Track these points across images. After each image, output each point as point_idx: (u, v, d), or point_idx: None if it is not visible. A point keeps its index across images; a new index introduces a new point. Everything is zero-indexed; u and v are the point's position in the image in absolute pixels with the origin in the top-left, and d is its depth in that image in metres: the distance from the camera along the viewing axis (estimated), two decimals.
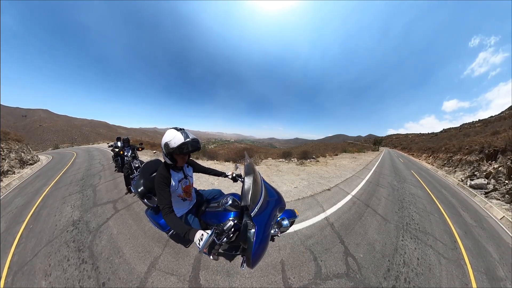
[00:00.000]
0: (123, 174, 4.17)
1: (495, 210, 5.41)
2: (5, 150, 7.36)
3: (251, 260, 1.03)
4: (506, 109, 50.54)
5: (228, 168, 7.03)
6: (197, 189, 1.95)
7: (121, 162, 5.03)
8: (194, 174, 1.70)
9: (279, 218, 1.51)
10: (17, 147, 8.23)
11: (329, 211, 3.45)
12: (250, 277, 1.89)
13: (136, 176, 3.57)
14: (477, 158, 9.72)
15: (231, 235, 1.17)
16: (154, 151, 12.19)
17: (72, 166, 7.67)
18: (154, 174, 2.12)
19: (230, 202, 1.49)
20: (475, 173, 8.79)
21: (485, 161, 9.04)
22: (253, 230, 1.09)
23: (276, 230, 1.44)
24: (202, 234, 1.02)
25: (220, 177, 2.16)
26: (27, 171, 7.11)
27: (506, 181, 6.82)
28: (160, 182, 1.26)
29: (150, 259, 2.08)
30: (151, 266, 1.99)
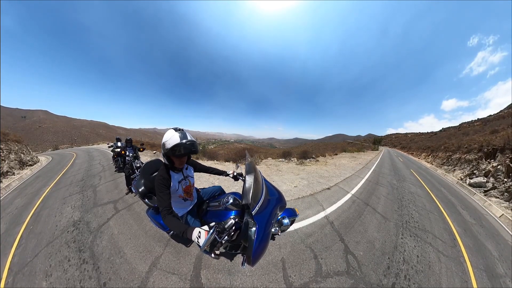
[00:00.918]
0: (123, 174, 4.18)
1: (494, 208, 5.44)
2: (4, 151, 7.34)
3: (252, 258, 1.04)
4: (504, 108, 50.74)
5: (228, 168, 7.04)
6: (197, 188, 1.96)
7: (122, 162, 5.03)
8: (195, 173, 1.70)
9: (279, 217, 1.52)
10: (16, 148, 8.21)
11: (329, 210, 3.46)
12: (251, 275, 1.90)
13: (137, 176, 3.58)
14: (476, 156, 9.76)
15: (232, 233, 1.17)
16: (154, 152, 12.19)
17: (72, 167, 7.65)
18: (155, 174, 2.13)
19: (231, 201, 1.50)
20: (474, 171, 8.82)
21: (484, 160, 9.08)
22: (254, 229, 1.10)
23: (277, 228, 1.45)
24: (200, 232, 1.02)
25: (221, 176, 2.16)
26: (27, 172, 7.09)
27: (505, 179, 6.85)
28: (160, 184, 1.25)
29: (151, 259, 2.08)
30: (152, 265, 2.00)
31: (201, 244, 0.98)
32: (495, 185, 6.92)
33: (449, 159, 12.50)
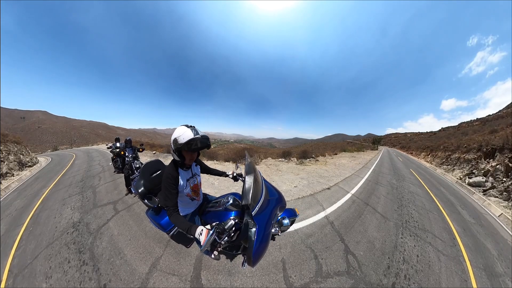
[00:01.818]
0: (123, 175, 4.17)
1: (493, 207, 5.46)
2: (3, 152, 7.31)
3: (252, 259, 1.04)
4: (503, 108, 50.90)
5: (228, 168, 7.03)
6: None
7: (121, 163, 5.02)
8: None
9: (279, 217, 1.52)
10: (15, 149, 8.19)
11: (329, 210, 3.46)
12: (252, 276, 1.90)
13: (137, 176, 3.57)
14: (475, 156, 9.79)
15: (232, 234, 1.17)
16: (153, 152, 12.18)
17: (72, 167, 7.64)
18: (155, 174, 2.13)
19: (231, 201, 1.49)
20: (473, 171, 8.85)
21: (483, 159, 9.11)
22: (254, 229, 1.10)
23: (277, 229, 1.45)
24: (202, 230, 1.03)
25: (220, 177, 2.16)
26: (26, 173, 7.08)
27: (504, 179, 6.87)
28: (168, 182, 1.23)
29: (151, 260, 2.08)
30: (153, 266, 2.00)
31: (201, 243, 0.98)
32: (494, 184, 6.94)
33: (448, 159, 12.54)
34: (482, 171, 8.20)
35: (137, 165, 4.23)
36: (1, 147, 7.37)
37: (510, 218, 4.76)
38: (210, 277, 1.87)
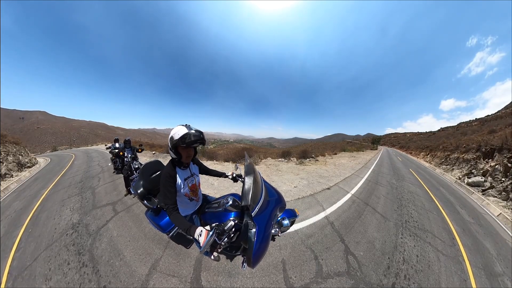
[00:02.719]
0: (122, 175, 4.16)
1: (492, 207, 5.48)
2: (2, 153, 7.28)
3: (252, 260, 1.04)
4: (502, 108, 51.12)
5: (228, 168, 7.03)
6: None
7: (120, 164, 5.00)
8: None
9: (279, 218, 1.52)
10: (14, 150, 8.15)
11: (329, 210, 3.47)
12: (252, 277, 1.90)
13: (136, 177, 3.57)
14: (474, 156, 9.82)
15: (232, 235, 1.17)
16: (153, 152, 12.15)
17: (71, 168, 7.62)
18: (154, 175, 2.12)
19: (230, 202, 1.49)
20: (472, 171, 8.88)
21: (482, 159, 9.14)
22: (253, 230, 1.10)
23: (277, 229, 1.45)
24: (202, 231, 1.03)
25: (220, 178, 2.15)
26: (25, 174, 7.05)
27: (503, 179, 6.90)
28: (166, 181, 1.25)
29: (151, 261, 2.08)
30: (152, 268, 1.99)
31: (201, 244, 0.98)
32: (493, 184, 6.97)
33: (448, 159, 12.57)
34: (481, 171, 8.23)
35: (136, 166, 4.22)
36: (0, 148, 7.34)
37: (508, 217, 4.78)
38: (210, 278, 1.87)
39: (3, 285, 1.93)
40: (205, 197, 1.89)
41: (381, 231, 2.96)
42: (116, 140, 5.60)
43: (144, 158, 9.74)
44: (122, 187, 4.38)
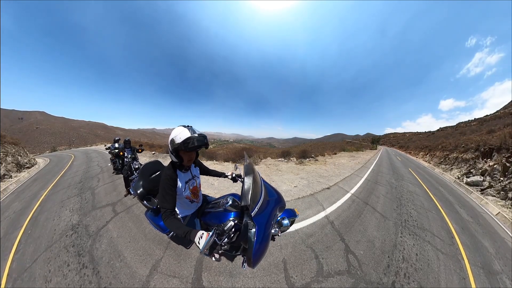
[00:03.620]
0: (122, 175, 4.15)
1: (490, 206, 5.51)
2: (1, 153, 7.25)
3: (252, 260, 1.04)
4: (501, 108, 51.37)
5: (228, 168, 7.03)
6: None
7: (120, 164, 4.99)
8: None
9: (279, 218, 1.53)
10: (13, 150, 8.11)
11: (329, 210, 3.48)
12: (253, 277, 1.90)
13: (136, 177, 3.56)
14: (473, 156, 9.87)
15: (232, 235, 1.17)
16: (153, 152, 12.13)
17: (70, 169, 7.59)
18: (154, 175, 2.12)
19: (230, 202, 1.49)
20: (471, 170, 8.93)
21: (480, 159, 9.18)
22: (253, 230, 1.10)
23: (277, 229, 1.45)
24: (202, 233, 1.02)
25: (220, 178, 2.15)
26: (24, 175, 7.02)
27: (501, 178, 6.94)
28: (166, 183, 1.20)
29: (152, 262, 2.08)
30: (153, 269, 1.99)
31: (200, 247, 0.98)
32: (492, 183, 7.01)
33: (447, 158, 12.63)
34: (480, 171, 8.27)
35: (136, 166, 4.21)
36: None
37: (507, 216, 4.81)
38: (211, 278, 1.87)
39: (2, 286, 1.92)
40: (205, 197, 1.88)
41: (381, 230, 2.98)
42: (116, 141, 5.59)
43: (143, 158, 9.73)
44: (121, 187, 4.38)
